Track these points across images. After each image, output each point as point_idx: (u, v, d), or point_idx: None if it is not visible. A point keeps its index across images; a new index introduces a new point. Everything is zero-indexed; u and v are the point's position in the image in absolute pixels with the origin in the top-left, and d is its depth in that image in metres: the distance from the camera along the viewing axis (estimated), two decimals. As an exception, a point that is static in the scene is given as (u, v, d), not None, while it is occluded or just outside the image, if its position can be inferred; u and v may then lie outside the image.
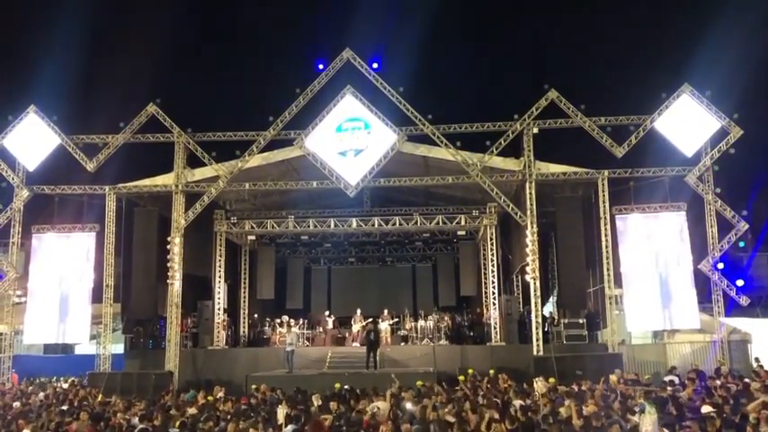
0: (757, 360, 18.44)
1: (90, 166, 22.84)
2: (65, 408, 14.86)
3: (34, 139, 23.07)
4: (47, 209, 23.74)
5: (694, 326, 21.86)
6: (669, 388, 14.79)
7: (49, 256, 23.24)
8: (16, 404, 16.24)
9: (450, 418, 10.93)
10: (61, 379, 22.80)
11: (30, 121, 23.15)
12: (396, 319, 25.99)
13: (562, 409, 12.32)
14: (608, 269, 21.56)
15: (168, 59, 32.68)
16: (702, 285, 21.62)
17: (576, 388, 15.65)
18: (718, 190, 21.85)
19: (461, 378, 19.54)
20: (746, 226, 21.46)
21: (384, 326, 25.13)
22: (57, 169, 23.49)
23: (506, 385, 16.95)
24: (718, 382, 15.44)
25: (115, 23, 35.43)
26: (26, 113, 23.20)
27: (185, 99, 30.67)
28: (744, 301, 21.16)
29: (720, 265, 21.76)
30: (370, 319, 24.50)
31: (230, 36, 39.57)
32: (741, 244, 23.05)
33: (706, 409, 11.26)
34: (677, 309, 21.44)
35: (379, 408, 12.72)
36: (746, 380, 15.73)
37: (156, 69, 31.70)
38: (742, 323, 22.23)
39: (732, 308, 21.64)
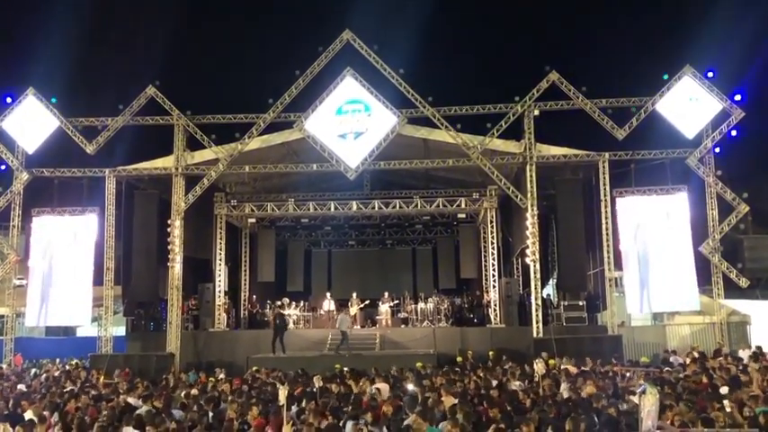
0: (759, 348, 18.45)
1: (89, 149, 22.80)
2: (67, 389, 14.97)
3: (33, 121, 23.01)
4: (46, 192, 23.74)
5: (694, 308, 21.94)
6: (668, 369, 14.88)
7: (49, 238, 23.23)
8: (21, 386, 16.34)
9: (453, 399, 10.97)
10: (65, 360, 22.90)
11: (28, 104, 23.07)
12: (396, 302, 26.06)
13: (562, 391, 12.40)
14: (608, 251, 21.59)
15: (167, 41, 32.50)
16: (702, 267, 21.65)
17: (575, 370, 15.74)
18: (719, 172, 21.84)
19: (459, 359, 19.69)
20: (747, 208, 21.47)
21: (384, 308, 25.24)
22: (56, 152, 23.48)
23: (506, 367, 17.05)
24: (717, 364, 15.51)
25: (114, 5, 35.19)
26: (25, 96, 23.12)
27: (185, 81, 30.59)
28: (743, 283, 21.21)
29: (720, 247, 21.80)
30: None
31: (229, 18, 39.34)
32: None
33: (725, 390, 11.24)
34: (677, 291, 21.46)
35: (379, 389, 12.78)
36: (744, 361, 15.82)
37: (156, 51, 31.59)
38: (741, 305, 22.32)
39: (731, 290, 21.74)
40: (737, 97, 21.53)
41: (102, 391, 14.49)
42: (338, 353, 20.94)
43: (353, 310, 25.58)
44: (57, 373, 19.52)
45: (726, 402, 9.11)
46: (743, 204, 21.48)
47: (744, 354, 17.74)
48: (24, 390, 15.59)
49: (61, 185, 23.61)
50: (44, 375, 19.20)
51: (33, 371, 20.76)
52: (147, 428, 9.44)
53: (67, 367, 21.13)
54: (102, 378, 18.06)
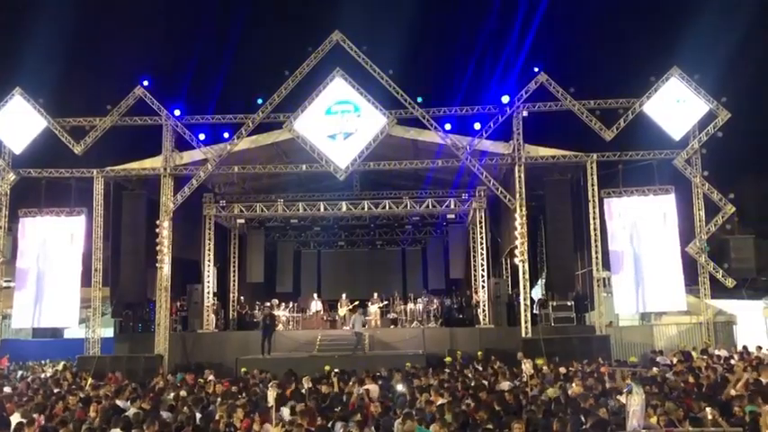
0: (745, 347, 18.63)
1: (77, 149, 22.66)
2: (55, 391, 14.88)
3: (20, 121, 22.81)
4: (34, 192, 23.54)
5: (681, 308, 22.09)
6: (655, 368, 14.99)
7: (36, 239, 23.03)
8: (6, 388, 16.20)
9: (441, 400, 11.01)
10: (47, 362, 22.74)
11: (15, 104, 22.86)
12: (385, 302, 26.08)
13: (549, 391, 12.47)
14: (596, 252, 21.72)
15: (156, 41, 32.36)
16: (689, 267, 21.81)
17: (563, 370, 15.83)
18: (706, 173, 22.02)
19: (448, 359, 19.73)
20: (733, 209, 21.65)
21: (373, 309, 25.24)
22: (44, 152, 23.28)
23: (495, 367, 17.10)
24: (704, 363, 15.65)
25: (102, 4, 34.98)
26: (11, 96, 22.91)
27: (173, 81, 30.42)
28: (729, 283, 21.38)
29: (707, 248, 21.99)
30: (268, 304, 24.92)
31: (218, 18, 39.17)
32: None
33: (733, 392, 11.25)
34: (664, 291, 21.60)
35: (368, 390, 12.80)
36: (732, 361, 15.97)
37: (144, 51, 31.41)
38: (727, 305, 22.50)
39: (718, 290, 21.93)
40: (723, 99, 21.71)
41: (90, 393, 14.40)
42: (355, 353, 20.99)
43: (342, 311, 25.60)
44: (43, 375, 19.39)
45: (708, 410, 9.18)
46: (729, 205, 21.66)
47: (720, 353, 17.92)
48: (10, 392, 15.46)
49: (49, 186, 23.43)
50: (30, 377, 19.07)
51: (20, 373, 20.62)
52: (134, 431, 9.41)
53: (54, 368, 21.00)
54: (89, 381, 17.92)
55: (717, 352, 18.09)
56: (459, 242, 29.27)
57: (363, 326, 22.72)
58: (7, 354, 23.63)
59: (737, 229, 22.66)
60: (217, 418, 10.32)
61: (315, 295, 27.24)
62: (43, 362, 23.10)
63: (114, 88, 24.03)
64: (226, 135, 22.42)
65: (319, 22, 28.36)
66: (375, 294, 25.95)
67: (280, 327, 24.41)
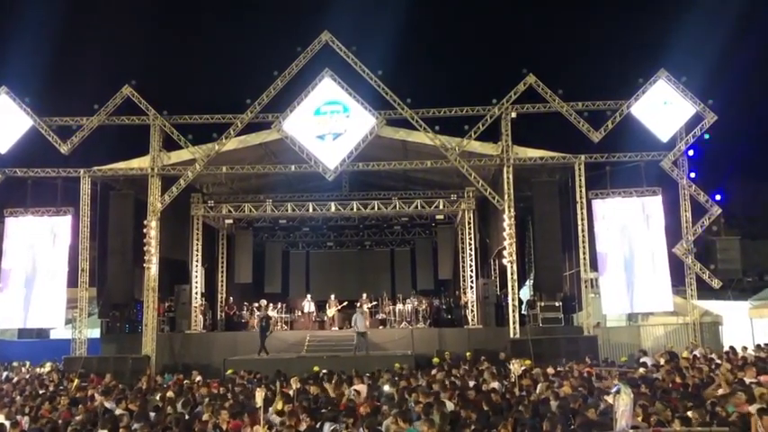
0: (732, 348, 18.75)
1: (64, 149, 22.49)
2: (41, 392, 14.76)
3: (6, 120, 22.61)
4: (20, 192, 23.32)
5: (668, 308, 22.24)
6: (642, 369, 15.06)
7: (22, 239, 22.85)
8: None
9: (429, 400, 11.00)
10: (28, 364, 22.49)
11: (1, 103, 22.67)
12: (374, 303, 26.06)
13: (538, 391, 12.51)
14: (584, 253, 21.81)
15: (144, 40, 32.20)
16: (676, 268, 21.96)
17: (552, 370, 15.87)
18: (693, 175, 22.19)
19: (437, 360, 19.75)
20: (719, 210, 21.83)
21: (363, 309, 25.20)
22: (30, 152, 23.09)
23: (483, 367, 17.13)
24: (687, 363, 15.74)
25: (90, 3, 34.77)
26: (-3, 95, 22.74)
27: (161, 81, 30.30)
28: (716, 284, 21.56)
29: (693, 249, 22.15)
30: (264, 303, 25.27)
31: (207, 17, 39.07)
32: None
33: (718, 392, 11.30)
34: (651, 292, 21.75)
35: (357, 391, 12.78)
36: (717, 361, 16.08)
37: (132, 50, 31.26)
38: (714, 305, 22.68)
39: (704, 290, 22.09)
40: (710, 101, 21.90)
41: (76, 395, 14.30)
42: (356, 353, 20.89)
43: (330, 311, 25.55)
44: (28, 376, 19.24)
45: (690, 414, 9.23)
46: (715, 206, 21.85)
47: (697, 352, 18.05)
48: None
49: (35, 185, 23.21)
50: (15, 378, 18.91)
51: (5, 374, 20.44)
52: (121, 431, 9.36)
53: (39, 370, 20.82)
54: (75, 382, 17.75)
55: (695, 352, 18.19)
56: (447, 243, 29.30)
57: (348, 326, 22.71)
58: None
59: (723, 231, 22.84)
60: (205, 418, 10.27)
61: (308, 296, 27.17)
62: (24, 363, 22.73)
63: (102, 88, 23.90)
64: (214, 135, 22.31)
65: (308, 21, 28.34)
66: (364, 295, 25.91)
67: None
